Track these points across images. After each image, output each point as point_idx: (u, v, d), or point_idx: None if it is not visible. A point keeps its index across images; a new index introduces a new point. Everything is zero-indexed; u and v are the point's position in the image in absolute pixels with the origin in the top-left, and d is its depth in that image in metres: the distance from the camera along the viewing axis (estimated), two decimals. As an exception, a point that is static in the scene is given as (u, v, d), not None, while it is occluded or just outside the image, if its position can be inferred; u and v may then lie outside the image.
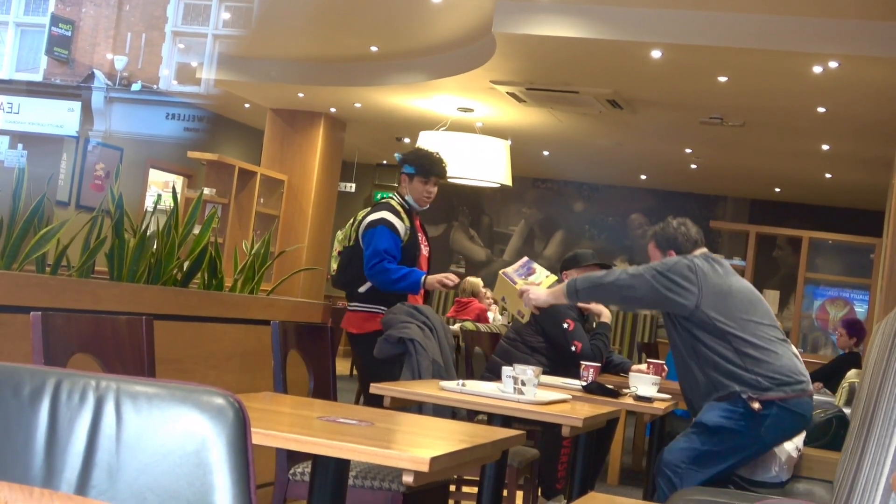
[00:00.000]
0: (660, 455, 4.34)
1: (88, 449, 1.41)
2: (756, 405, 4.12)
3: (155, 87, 12.51)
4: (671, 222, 4.67)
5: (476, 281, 11.18)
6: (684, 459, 4.19)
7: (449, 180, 10.62)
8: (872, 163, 10.73)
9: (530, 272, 4.75)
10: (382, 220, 5.03)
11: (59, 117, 11.92)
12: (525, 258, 4.96)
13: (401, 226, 5.06)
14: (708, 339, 4.25)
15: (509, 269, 4.79)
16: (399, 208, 5.14)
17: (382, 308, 5.06)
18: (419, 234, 5.24)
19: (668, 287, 4.24)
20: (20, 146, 11.69)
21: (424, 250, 5.29)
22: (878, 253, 11.46)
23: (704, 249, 4.59)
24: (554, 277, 4.78)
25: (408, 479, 2.06)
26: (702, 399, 4.32)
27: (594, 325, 5.74)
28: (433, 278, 5.02)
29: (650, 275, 4.25)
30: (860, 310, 12.92)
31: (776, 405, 4.16)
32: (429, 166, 5.19)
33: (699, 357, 4.28)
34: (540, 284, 4.65)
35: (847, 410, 5.26)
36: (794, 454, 4.52)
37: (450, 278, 5.07)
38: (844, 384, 7.14)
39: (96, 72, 11.52)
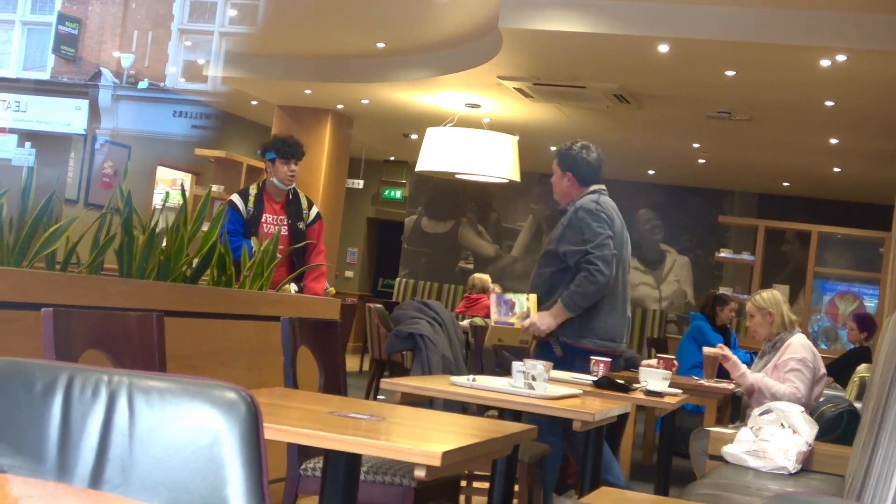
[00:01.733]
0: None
1: (101, 444, 1.41)
2: (557, 349, 4.79)
3: (162, 84, 12.51)
4: (575, 146, 5.11)
5: (485, 277, 11.20)
6: None
7: (456, 176, 10.68)
8: (881, 156, 10.71)
9: (510, 306, 4.99)
10: (229, 202, 5.87)
11: (67, 116, 11.93)
12: (493, 295, 5.18)
13: (242, 206, 5.89)
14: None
15: (494, 315, 5.01)
16: (253, 192, 5.99)
17: None
18: (270, 216, 5.94)
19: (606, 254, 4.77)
20: (28, 144, 11.71)
21: (274, 229, 5.89)
22: (886, 247, 11.43)
23: (602, 186, 5.11)
24: (533, 296, 5.00)
25: (420, 473, 2.05)
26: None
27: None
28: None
29: (600, 259, 4.74)
30: (870, 304, 12.90)
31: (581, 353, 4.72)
32: (286, 149, 5.95)
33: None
34: (529, 311, 4.90)
35: (858, 405, 5.25)
36: (805, 448, 4.52)
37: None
38: (855, 378, 7.13)
39: (103, 70, 11.53)
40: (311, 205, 6.23)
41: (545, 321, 4.80)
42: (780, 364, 5.53)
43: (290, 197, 6.09)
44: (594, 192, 5.06)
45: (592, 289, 4.73)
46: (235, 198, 5.93)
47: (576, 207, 4.96)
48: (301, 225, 6.05)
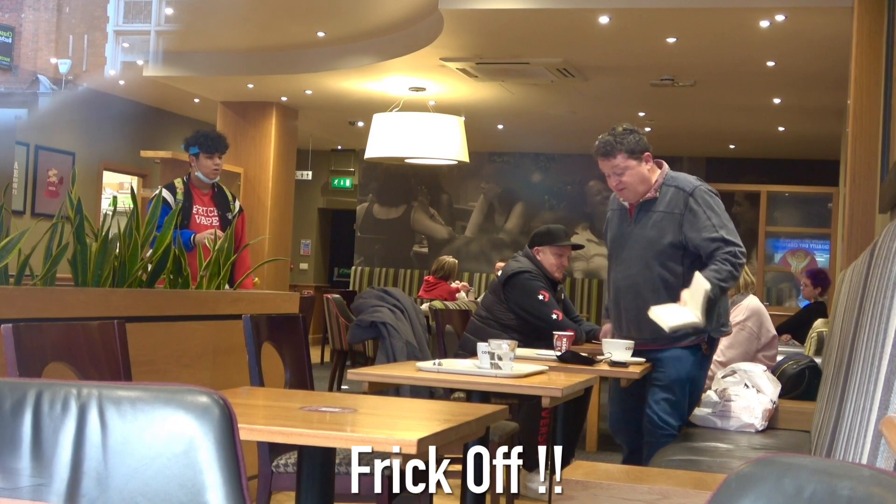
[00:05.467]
0: (648, 426, 4.37)
1: (75, 458, 1.40)
2: (705, 347, 4.31)
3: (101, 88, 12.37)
4: (624, 129, 4.45)
5: (453, 262, 11.18)
6: (678, 422, 4.25)
7: (405, 161, 10.67)
8: (824, 113, 10.82)
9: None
10: (157, 194, 5.84)
11: (7, 125, 11.75)
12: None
13: (171, 199, 5.86)
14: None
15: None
16: (179, 185, 5.98)
17: None
18: (200, 207, 5.99)
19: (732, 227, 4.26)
20: (-31, 158, 11.52)
21: (206, 220, 5.98)
22: (835, 202, 11.58)
23: (666, 165, 4.53)
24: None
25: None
26: (662, 339, 4.32)
27: (562, 296, 5.81)
28: (200, 236, 5.71)
29: (742, 257, 4.20)
30: (821, 259, 13.06)
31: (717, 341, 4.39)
32: (209, 143, 5.96)
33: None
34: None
35: (818, 360, 5.32)
36: (770, 406, 4.57)
37: (213, 233, 5.71)
38: (813, 334, 7.22)
39: (41, 77, 11.37)
40: (234, 198, 6.31)
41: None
42: None
43: (216, 189, 6.16)
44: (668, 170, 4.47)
45: (732, 284, 4.28)
46: (163, 191, 5.95)
47: (692, 190, 4.31)
48: (230, 216, 6.10)
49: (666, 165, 4.48)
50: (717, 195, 4.34)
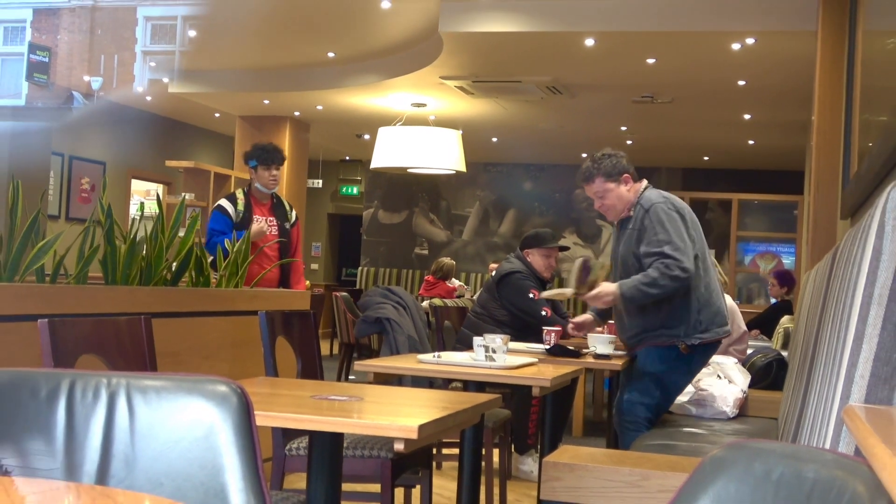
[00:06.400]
0: (618, 411, 4.34)
1: (105, 442, 1.40)
2: (683, 347, 4.16)
3: (129, 103, 12.37)
4: (599, 154, 4.35)
5: (451, 263, 11.17)
6: (645, 413, 4.21)
7: (408, 170, 10.65)
8: (790, 127, 10.82)
9: (587, 273, 4.35)
10: (216, 206, 5.78)
11: (44, 138, 11.74)
12: (580, 262, 4.42)
13: (231, 209, 5.71)
14: None
15: (575, 281, 4.38)
16: (240, 196, 5.81)
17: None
18: (261, 218, 5.80)
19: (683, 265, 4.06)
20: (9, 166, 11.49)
21: (269, 228, 5.83)
22: (800, 209, 11.58)
23: (645, 181, 4.40)
24: (607, 265, 4.40)
25: (398, 446, 2.05)
26: (635, 337, 4.29)
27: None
28: (253, 230, 5.54)
29: (676, 269, 4.03)
30: (787, 261, 13.06)
31: (701, 345, 4.19)
32: (265, 156, 5.78)
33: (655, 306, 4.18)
34: (598, 279, 4.29)
35: (784, 353, 5.31)
36: (741, 395, 4.57)
37: (260, 225, 5.65)
38: (780, 329, 7.21)
39: (75, 93, 11.36)
40: (291, 207, 6.18)
41: (607, 300, 4.22)
42: None
43: (274, 200, 6.03)
44: (646, 186, 4.38)
45: (659, 290, 4.08)
46: (223, 201, 5.83)
47: (648, 207, 4.22)
48: (287, 225, 6.00)
49: (644, 183, 4.37)
50: (677, 212, 4.17)
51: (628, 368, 4.33)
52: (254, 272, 5.49)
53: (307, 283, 6.41)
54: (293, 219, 6.10)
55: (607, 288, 4.20)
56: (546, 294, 4.72)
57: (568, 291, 4.40)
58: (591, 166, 4.35)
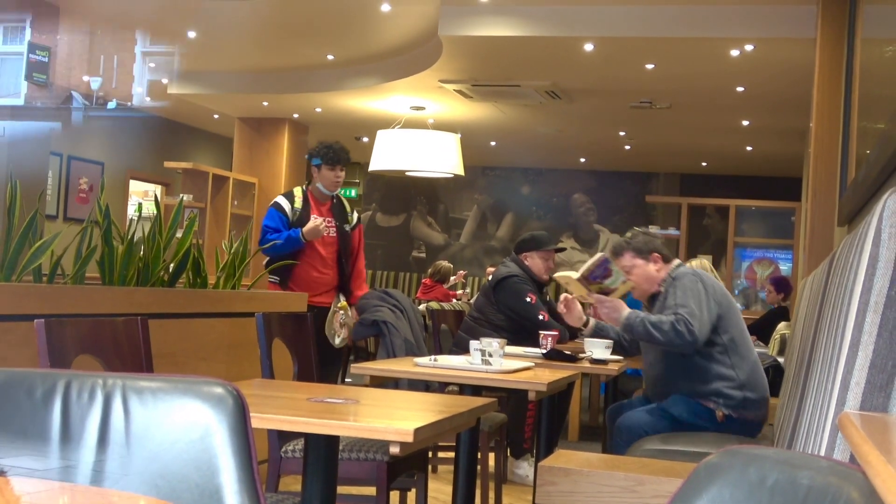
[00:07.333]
0: (618, 420, 4.29)
1: (100, 442, 1.40)
2: (720, 415, 4.00)
3: (129, 104, 12.35)
4: (637, 232, 4.35)
5: (449, 266, 11.16)
6: (645, 429, 4.12)
7: (406, 174, 10.65)
8: (788, 134, 10.83)
9: (606, 274, 4.30)
10: (273, 202, 5.57)
11: (43, 137, 11.74)
12: (602, 256, 4.37)
13: (288, 207, 5.50)
14: (710, 350, 4.01)
15: (585, 269, 4.32)
16: (298, 194, 5.58)
17: (275, 278, 5.47)
18: (321, 218, 5.53)
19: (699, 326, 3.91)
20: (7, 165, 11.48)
21: (327, 229, 5.56)
22: (798, 215, 11.58)
23: (678, 261, 4.34)
24: (630, 285, 4.32)
25: (394, 449, 2.05)
26: (668, 387, 4.15)
27: (547, 298, 5.81)
28: (307, 229, 5.37)
29: (684, 328, 3.88)
30: (784, 268, 13.05)
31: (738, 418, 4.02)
32: (331, 156, 5.53)
33: (692, 364, 4.05)
34: (615, 291, 4.24)
35: (781, 359, 5.31)
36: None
37: (316, 223, 5.42)
38: (776, 336, 7.20)
39: (74, 93, 11.35)
40: (353, 210, 5.90)
41: (610, 318, 4.14)
42: None
43: (335, 201, 5.74)
44: (679, 265, 4.32)
45: (662, 335, 3.92)
46: (280, 198, 5.59)
47: (675, 276, 4.18)
48: (347, 227, 5.74)
49: (676, 262, 4.31)
50: (700, 280, 4.07)
51: (633, 380, 4.30)
52: (310, 276, 5.39)
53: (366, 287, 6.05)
54: (354, 221, 5.83)
55: (619, 305, 4.10)
56: (556, 275, 4.66)
57: (574, 275, 4.35)
58: (622, 242, 4.37)
